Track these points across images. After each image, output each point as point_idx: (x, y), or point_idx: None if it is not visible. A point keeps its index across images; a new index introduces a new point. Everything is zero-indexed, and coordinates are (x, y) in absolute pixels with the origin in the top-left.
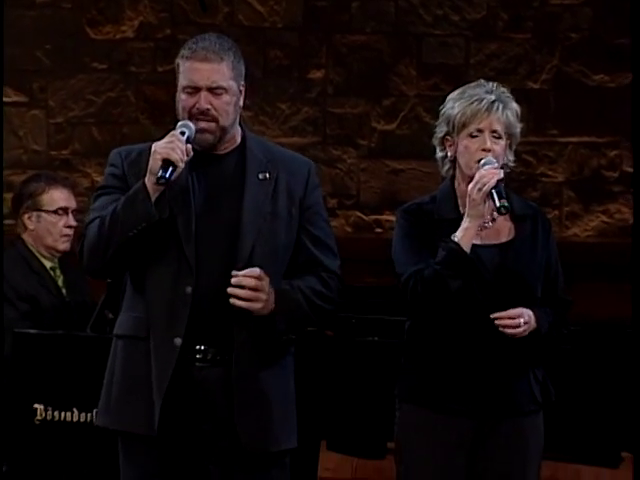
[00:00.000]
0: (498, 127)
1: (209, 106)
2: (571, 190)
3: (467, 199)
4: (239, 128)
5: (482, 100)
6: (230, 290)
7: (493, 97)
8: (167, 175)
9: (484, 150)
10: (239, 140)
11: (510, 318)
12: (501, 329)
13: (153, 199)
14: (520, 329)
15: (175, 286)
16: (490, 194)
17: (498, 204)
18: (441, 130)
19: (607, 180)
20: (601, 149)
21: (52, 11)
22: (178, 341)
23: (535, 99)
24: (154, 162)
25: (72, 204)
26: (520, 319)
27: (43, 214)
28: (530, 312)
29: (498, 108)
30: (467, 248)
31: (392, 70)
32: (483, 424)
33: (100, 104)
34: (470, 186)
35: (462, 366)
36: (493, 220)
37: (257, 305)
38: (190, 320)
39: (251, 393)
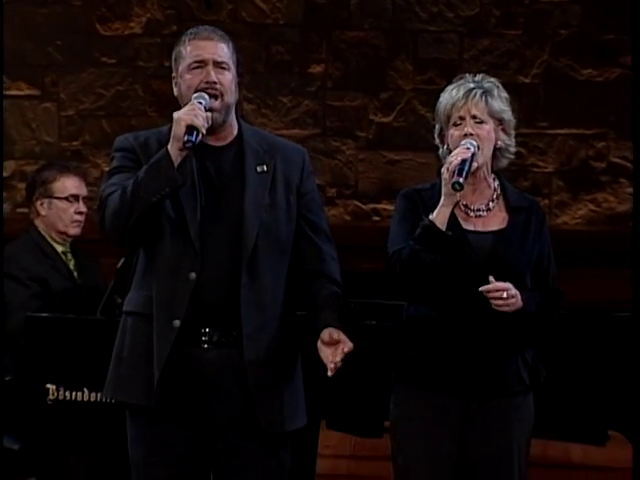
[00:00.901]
0: (477, 112)
1: (216, 80)
2: (560, 180)
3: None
4: (235, 120)
5: (460, 89)
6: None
7: (471, 85)
8: (194, 139)
9: (466, 135)
10: (236, 132)
11: (497, 290)
12: (491, 301)
13: (176, 165)
14: (507, 301)
15: (179, 271)
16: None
17: (452, 180)
18: (437, 127)
19: (595, 170)
20: (589, 140)
21: (63, 8)
22: (177, 323)
23: (526, 93)
24: (178, 128)
25: (83, 191)
26: (505, 292)
27: (55, 201)
28: (517, 291)
29: (475, 95)
30: (441, 225)
31: (389, 65)
32: (470, 403)
33: (109, 97)
34: (443, 167)
35: (451, 348)
36: (488, 210)
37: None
38: (193, 304)
39: (264, 378)
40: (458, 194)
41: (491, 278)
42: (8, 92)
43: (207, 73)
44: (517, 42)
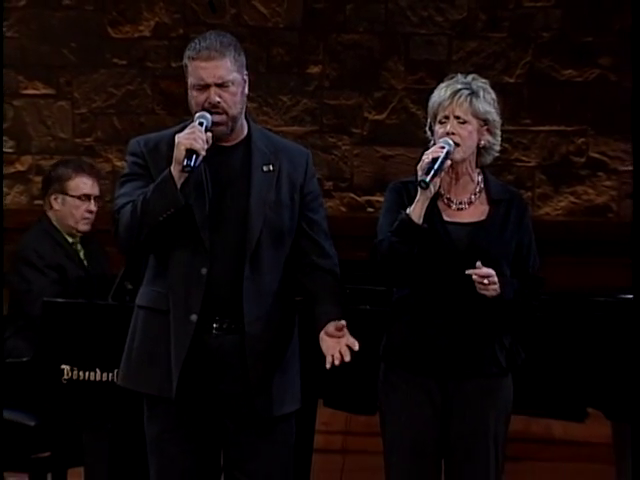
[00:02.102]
0: (460, 113)
1: (219, 99)
2: (542, 174)
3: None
4: (244, 121)
5: (448, 89)
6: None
7: (458, 86)
8: (192, 163)
9: (448, 134)
10: (245, 133)
11: (481, 276)
12: (476, 284)
13: (179, 186)
14: (487, 287)
15: (191, 268)
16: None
17: (419, 178)
18: (428, 121)
19: (575, 165)
20: (569, 137)
21: (77, 12)
22: (194, 317)
23: (510, 92)
24: (178, 152)
25: (95, 191)
26: (487, 278)
27: (68, 198)
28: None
29: (461, 96)
30: (417, 218)
31: (382, 66)
32: (449, 384)
33: (120, 96)
34: (418, 164)
35: (432, 332)
36: (470, 202)
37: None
38: (205, 297)
39: (262, 364)
40: (432, 189)
41: (478, 264)
42: (25, 91)
43: (209, 95)
44: (502, 44)
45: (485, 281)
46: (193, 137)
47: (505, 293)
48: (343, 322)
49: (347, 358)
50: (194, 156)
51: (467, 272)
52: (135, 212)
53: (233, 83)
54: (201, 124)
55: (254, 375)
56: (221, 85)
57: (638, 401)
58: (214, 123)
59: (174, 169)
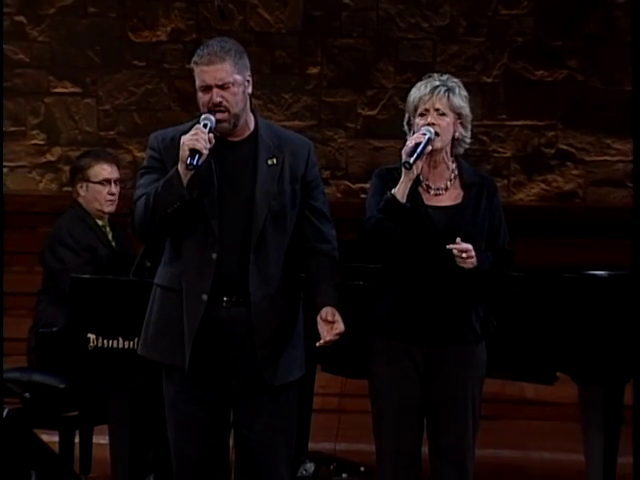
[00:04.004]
0: (440, 106)
1: (220, 99)
2: (517, 163)
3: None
4: (252, 116)
5: (427, 86)
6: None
7: (437, 83)
8: (194, 162)
9: (429, 124)
10: (252, 128)
11: (460, 251)
12: (455, 258)
13: (185, 182)
14: (465, 260)
15: (203, 253)
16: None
17: (403, 159)
18: (406, 116)
19: (545, 155)
20: (541, 131)
21: (101, 19)
22: (205, 297)
23: (488, 90)
24: (183, 152)
25: (114, 175)
26: (465, 252)
27: (91, 184)
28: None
29: (440, 91)
30: (401, 197)
31: (374, 67)
32: (430, 350)
33: (140, 94)
34: (403, 149)
35: (414, 304)
36: (446, 188)
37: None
38: (215, 279)
39: (268, 339)
40: (415, 171)
41: (458, 239)
42: (55, 90)
43: (211, 96)
44: (481, 48)
45: (464, 255)
46: (196, 138)
47: (481, 265)
48: (334, 311)
49: (328, 338)
50: (197, 155)
51: (448, 247)
52: (147, 204)
53: (234, 84)
54: (205, 126)
55: (261, 349)
56: (222, 86)
57: (638, 401)
58: (218, 121)
59: (180, 167)
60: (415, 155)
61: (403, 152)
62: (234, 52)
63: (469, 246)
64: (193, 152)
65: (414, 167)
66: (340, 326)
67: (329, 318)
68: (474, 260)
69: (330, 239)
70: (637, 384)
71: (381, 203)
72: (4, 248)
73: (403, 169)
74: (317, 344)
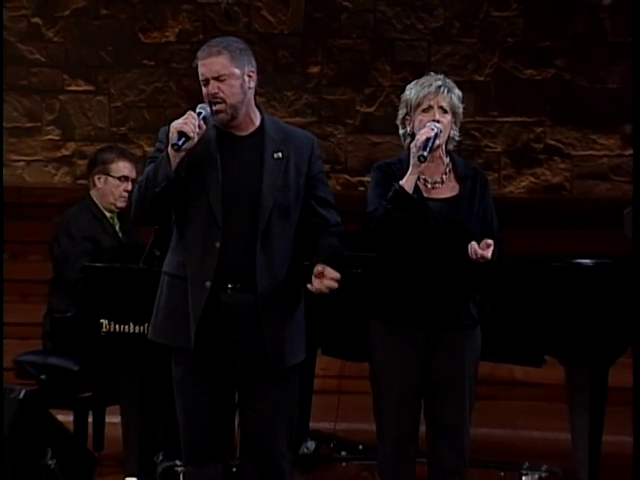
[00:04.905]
0: (444, 104)
1: (217, 90)
2: (507, 158)
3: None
4: (257, 112)
5: (431, 84)
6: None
7: (440, 82)
8: (179, 143)
9: (433, 120)
10: (258, 123)
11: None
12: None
13: (174, 164)
14: (489, 253)
15: (206, 242)
16: (419, 147)
17: (418, 153)
18: (401, 112)
19: (534, 150)
20: (530, 127)
21: (113, 21)
22: (208, 284)
23: (480, 88)
24: (171, 134)
25: (133, 174)
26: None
27: (110, 178)
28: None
29: (444, 90)
30: (409, 189)
31: (372, 66)
32: (430, 334)
33: (149, 92)
34: (413, 142)
35: (414, 289)
36: (442, 182)
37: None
38: (218, 267)
39: (273, 325)
40: (422, 165)
41: (478, 249)
42: (69, 88)
43: (209, 88)
44: (473, 48)
45: (488, 254)
46: (185, 122)
47: (494, 255)
48: (323, 266)
49: (322, 286)
50: (183, 138)
51: (474, 255)
52: (140, 186)
53: (230, 77)
54: (199, 114)
55: (268, 334)
56: (218, 78)
57: (637, 395)
58: (216, 112)
59: (169, 149)
60: (428, 148)
61: (413, 146)
62: (233, 48)
63: (490, 241)
64: (180, 134)
65: (428, 159)
66: (334, 273)
67: (319, 269)
68: (490, 253)
69: (334, 223)
70: (637, 382)
71: (389, 194)
72: (20, 238)
73: (412, 163)
74: (308, 286)
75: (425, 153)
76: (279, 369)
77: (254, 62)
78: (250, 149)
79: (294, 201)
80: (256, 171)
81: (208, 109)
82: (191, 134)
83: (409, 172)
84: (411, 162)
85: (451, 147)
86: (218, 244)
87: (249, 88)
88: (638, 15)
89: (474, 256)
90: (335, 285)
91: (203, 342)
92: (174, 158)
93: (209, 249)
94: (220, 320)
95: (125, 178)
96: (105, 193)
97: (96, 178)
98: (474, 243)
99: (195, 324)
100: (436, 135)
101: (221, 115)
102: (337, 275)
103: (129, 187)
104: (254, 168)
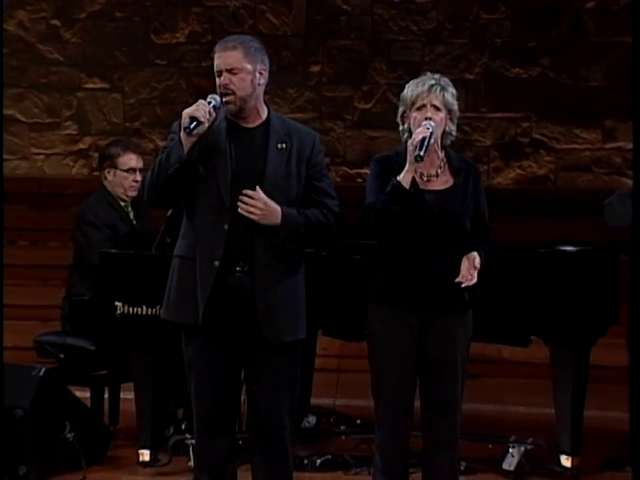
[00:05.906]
0: (436, 102)
1: (228, 82)
2: (496, 151)
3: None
4: (265, 107)
5: (425, 84)
6: (243, 207)
7: (433, 82)
8: (191, 126)
9: (427, 119)
10: (264, 117)
11: (470, 274)
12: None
13: (186, 147)
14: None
15: (215, 223)
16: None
17: (415, 153)
18: (400, 110)
19: (521, 144)
20: (517, 122)
21: (127, 23)
22: (217, 263)
23: (470, 86)
24: (183, 119)
25: (140, 165)
26: (473, 274)
27: (118, 171)
28: (476, 256)
29: (436, 89)
30: (406, 184)
31: (369, 65)
32: (425, 317)
33: (161, 90)
34: (409, 141)
35: (410, 275)
36: (437, 175)
37: (255, 215)
38: (226, 247)
39: (269, 301)
40: (419, 163)
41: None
42: (86, 85)
43: (221, 79)
44: (464, 48)
45: (472, 278)
46: (196, 107)
47: (482, 258)
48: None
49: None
50: (194, 122)
51: (457, 281)
52: (153, 170)
53: (242, 71)
54: (209, 103)
55: (261, 312)
56: (230, 71)
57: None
58: (226, 102)
59: (182, 134)
60: (425, 148)
61: (409, 145)
62: (248, 45)
63: (472, 274)
64: (192, 119)
65: (425, 158)
66: (255, 194)
67: (251, 194)
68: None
69: (331, 207)
70: (636, 378)
71: (387, 188)
72: (40, 226)
73: (409, 160)
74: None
75: (422, 153)
76: (275, 343)
77: (267, 61)
78: (257, 139)
79: (295, 188)
80: (261, 159)
81: (218, 99)
82: (202, 119)
83: (406, 169)
84: (408, 159)
85: (447, 142)
86: (226, 226)
87: (259, 84)
88: (638, 15)
89: (464, 280)
90: (257, 209)
91: (211, 319)
92: (186, 142)
93: (218, 231)
94: (226, 301)
95: (132, 170)
96: (116, 185)
97: (106, 172)
98: (463, 270)
99: (204, 302)
100: (431, 134)
101: (230, 106)
102: (261, 196)
103: (138, 177)
104: (260, 156)
